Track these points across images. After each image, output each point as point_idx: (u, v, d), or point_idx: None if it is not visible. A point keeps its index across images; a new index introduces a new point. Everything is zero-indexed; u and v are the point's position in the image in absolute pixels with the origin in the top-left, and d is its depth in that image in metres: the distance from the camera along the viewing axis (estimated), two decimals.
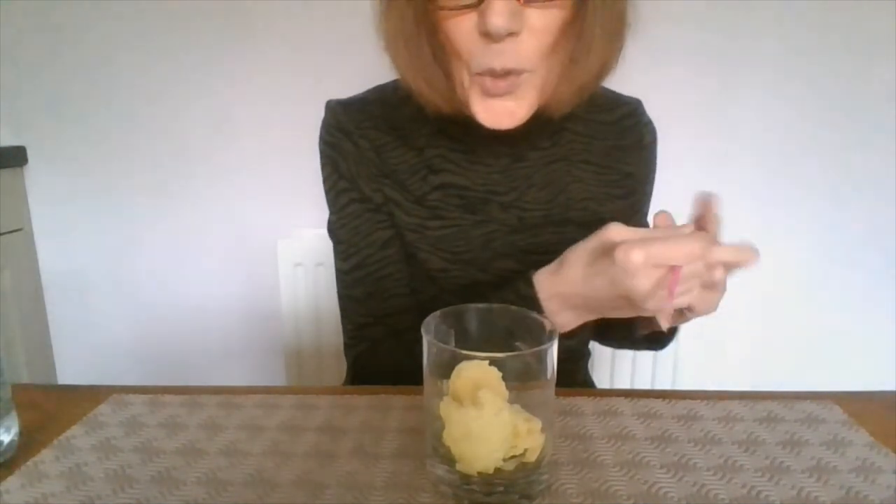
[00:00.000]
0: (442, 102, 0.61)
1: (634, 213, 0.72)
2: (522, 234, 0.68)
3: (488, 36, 0.52)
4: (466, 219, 0.67)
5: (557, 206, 0.68)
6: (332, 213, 0.71)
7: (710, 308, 0.52)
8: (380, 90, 0.72)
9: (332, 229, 0.72)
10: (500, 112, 0.57)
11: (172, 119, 1.44)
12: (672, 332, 0.69)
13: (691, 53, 1.32)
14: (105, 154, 1.47)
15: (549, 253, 0.67)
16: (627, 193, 0.71)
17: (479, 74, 0.55)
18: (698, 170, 1.37)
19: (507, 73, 0.54)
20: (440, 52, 0.58)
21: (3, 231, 1.42)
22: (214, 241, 1.51)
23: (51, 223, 1.52)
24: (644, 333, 0.68)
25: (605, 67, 0.59)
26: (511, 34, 0.52)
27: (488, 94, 0.56)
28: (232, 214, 1.48)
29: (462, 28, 0.54)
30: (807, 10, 1.28)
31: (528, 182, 0.68)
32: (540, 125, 0.65)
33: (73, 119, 1.45)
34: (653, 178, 0.75)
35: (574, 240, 0.68)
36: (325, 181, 0.71)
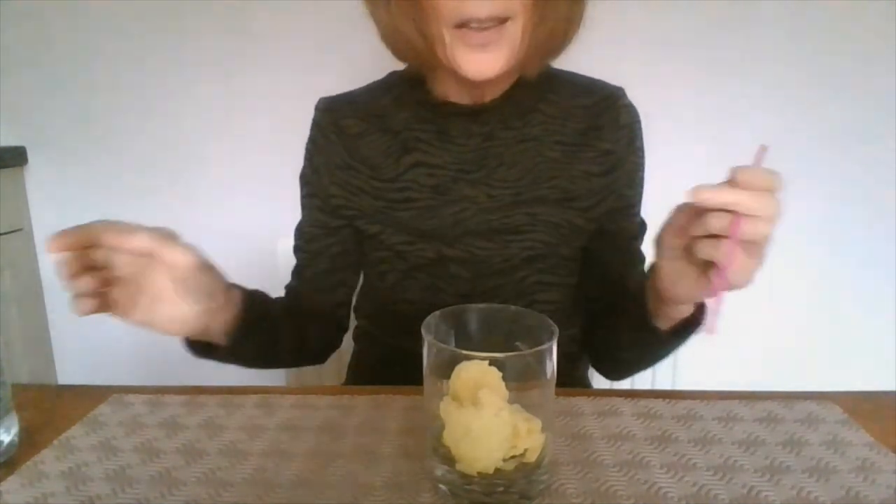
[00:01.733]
0: (427, 49, 0.63)
1: (611, 193, 0.71)
2: (496, 214, 0.69)
3: None
4: (437, 199, 0.70)
5: (526, 185, 0.69)
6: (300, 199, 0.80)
7: (745, 277, 0.48)
8: (369, 86, 0.77)
9: (299, 220, 0.81)
10: (482, 62, 0.61)
11: (172, 119, 1.44)
12: (700, 313, 0.59)
13: (691, 53, 1.32)
14: (105, 154, 1.47)
15: (520, 233, 0.69)
16: (607, 171, 0.71)
17: (461, 26, 0.58)
18: (697, 170, 1.37)
19: (491, 23, 0.57)
20: (419, 9, 0.61)
21: (3, 231, 1.42)
22: (214, 240, 1.49)
23: (51, 223, 1.52)
24: (668, 327, 0.60)
25: (569, 28, 0.63)
26: None
27: (471, 44, 0.59)
28: (232, 214, 1.48)
29: None
30: (807, 9, 1.28)
31: (498, 160, 0.70)
32: (512, 103, 0.69)
33: (73, 119, 1.45)
34: (638, 162, 0.73)
35: (546, 221, 0.69)
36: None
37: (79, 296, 0.49)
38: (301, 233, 0.80)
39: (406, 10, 0.62)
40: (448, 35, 0.60)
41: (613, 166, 0.71)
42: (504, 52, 0.60)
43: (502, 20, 0.58)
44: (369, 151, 0.72)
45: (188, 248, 0.49)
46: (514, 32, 0.60)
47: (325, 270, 0.78)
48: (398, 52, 0.67)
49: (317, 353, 0.82)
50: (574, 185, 0.70)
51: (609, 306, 0.72)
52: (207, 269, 0.53)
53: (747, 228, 0.45)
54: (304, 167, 0.78)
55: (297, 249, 0.81)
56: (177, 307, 0.51)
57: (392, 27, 0.64)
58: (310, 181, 0.77)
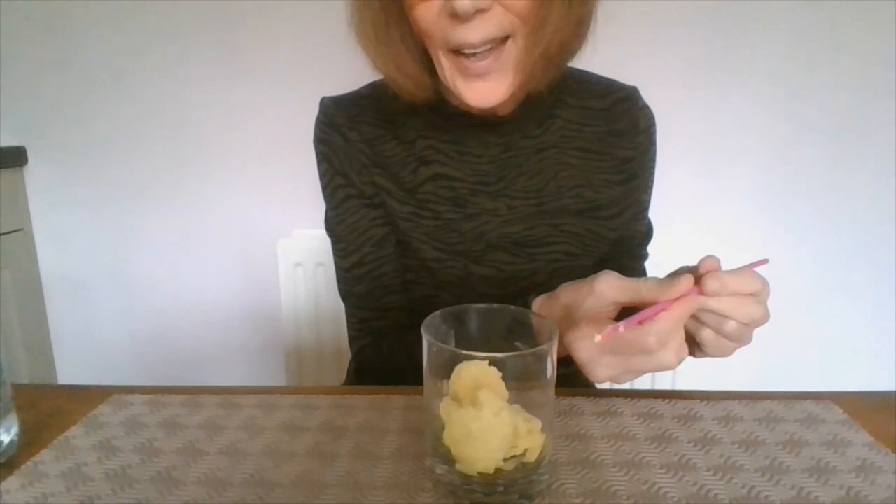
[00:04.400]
0: (415, 90, 0.62)
1: (634, 203, 0.71)
2: (517, 227, 0.68)
3: (457, 17, 0.52)
4: (457, 212, 0.67)
5: (548, 195, 0.68)
6: (329, 209, 0.72)
7: (723, 353, 0.51)
8: (373, 86, 0.73)
9: (330, 226, 0.72)
10: (484, 91, 0.58)
11: (172, 119, 1.44)
12: None
13: (690, 52, 1.32)
14: (105, 154, 1.47)
15: (544, 245, 0.68)
16: (627, 178, 0.70)
17: (456, 52, 0.56)
18: (696, 169, 1.37)
19: (487, 47, 0.55)
20: (411, 39, 0.59)
21: (3, 231, 1.42)
22: (214, 241, 1.51)
23: (51, 223, 1.52)
24: None
25: (573, 33, 0.58)
26: (480, 11, 0.52)
27: (470, 74, 0.57)
28: (232, 214, 1.48)
29: (430, 12, 0.55)
30: (807, 9, 1.28)
31: (517, 171, 0.68)
32: (528, 112, 0.66)
33: (73, 119, 1.45)
34: (652, 167, 0.73)
35: (569, 232, 0.68)
36: (321, 178, 0.72)
37: None
38: (362, 241, 0.70)
39: (388, 51, 0.60)
40: (445, 60, 0.57)
41: (634, 174, 0.70)
42: (507, 78, 0.57)
43: (501, 41, 0.55)
44: (387, 160, 0.69)
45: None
46: (516, 52, 0.56)
47: (405, 268, 0.71)
48: (396, 88, 0.63)
49: None
50: (598, 195, 0.69)
51: None
52: None
53: (729, 329, 0.48)
54: (326, 171, 0.71)
55: (365, 262, 0.70)
56: None
57: (378, 68, 0.62)
58: (341, 184, 0.70)
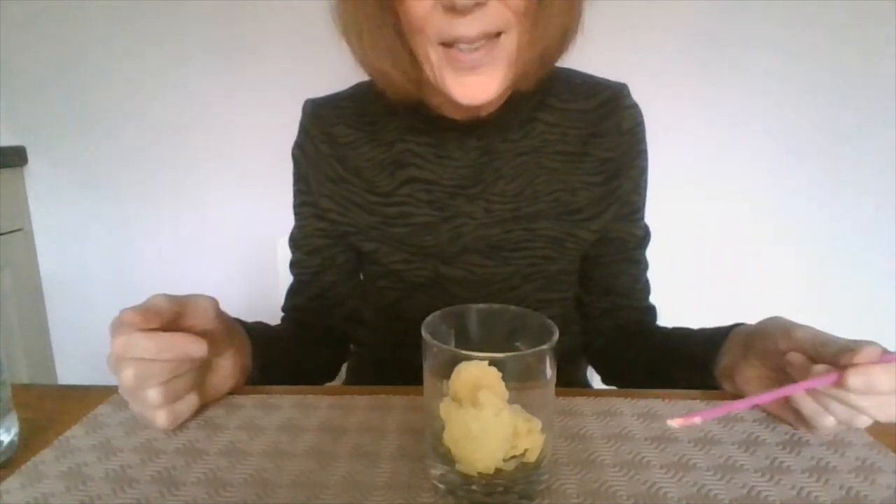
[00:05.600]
0: (408, 84, 0.60)
1: (615, 202, 0.69)
2: (494, 230, 0.67)
3: (454, 10, 0.51)
4: (434, 215, 0.67)
5: (525, 199, 0.67)
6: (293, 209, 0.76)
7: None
8: (359, 86, 0.73)
9: (292, 231, 0.77)
10: (474, 86, 0.56)
11: (172, 119, 1.44)
12: None
13: (690, 50, 1.32)
14: (105, 154, 1.47)
15: (520, 249, 0.67)
16: (606, 179, 0.68)
17: (448, 45, 0.54)
18: (696, 167, 1.37)
19: (481, 42, 0.53)
20: (399, 35, 0.57)
21: (3, 231, 1.42)
22: (214, 240, 1.51)
23: (51, 223, 1.52)
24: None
25: (566, 34, 0.58)
26: (478, 4, 0.51)
27: (461, 67, 0.55)
28: (232, 214, 1.49)
29: (423, 5, 0.53)
30: (807, 7, 1.28)
31: (496, 174, 0.67)
32: (509, 115, 0.65)
33: (73, 119, 1.45)
34: (643, 166, 0.71)
35: (546, 236, 0.67)
36: (292, 180, 0.76)
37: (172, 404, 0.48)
38: (300, 244, 0.75)
39: (383, 44, 0.57)
40: (434, 54, 0.55)
41: (614, 173, 0.68)
42: (499, 73, 0.55)
43: (495, 35, 0.54)
44: (362, 163, 0.69)
45: (194, 295, 0.50)
46: (509, 47, 0.55)
47: (332, 283, 0.74)
48: (381, 85, 0.62)
49: (328, 372, 0.77)
50: (575, 197, 0.67)
51: (634, 342, 0.71)
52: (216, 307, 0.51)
53: (861, 424, 0.44)
54: (294, 173, 0.74)
55: (297, 264, 0.76)
56: (220, 364, 0.52)
57: (368, 63, 0.60)
58: (302, 189, 0.74)
